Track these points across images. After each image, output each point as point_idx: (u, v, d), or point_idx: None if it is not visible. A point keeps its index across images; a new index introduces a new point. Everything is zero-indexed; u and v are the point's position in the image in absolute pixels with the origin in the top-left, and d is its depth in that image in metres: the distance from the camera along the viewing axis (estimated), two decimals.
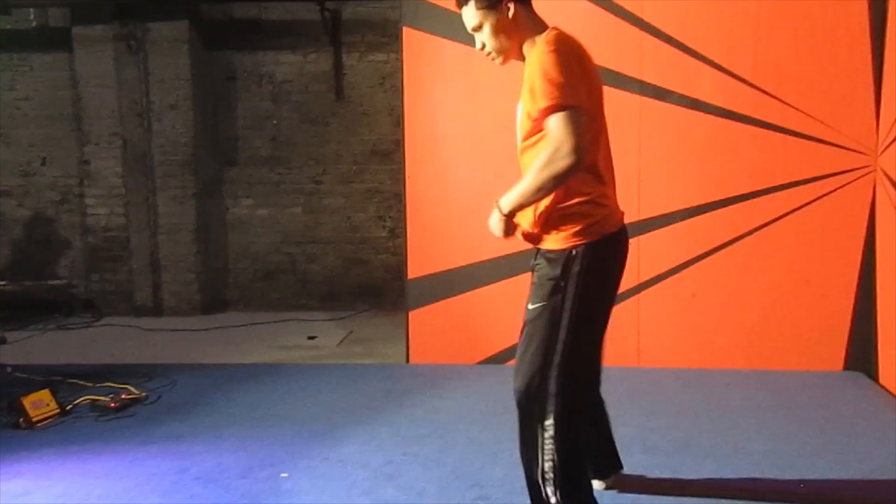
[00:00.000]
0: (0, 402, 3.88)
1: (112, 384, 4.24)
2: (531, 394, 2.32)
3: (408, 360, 4.92)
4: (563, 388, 2.30)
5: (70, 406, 3.90)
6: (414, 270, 4.87)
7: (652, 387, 4.27)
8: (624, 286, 4.52)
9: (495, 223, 2.35)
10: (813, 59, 4.44)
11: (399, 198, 5.46)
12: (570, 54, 2.25)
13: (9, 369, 4.52)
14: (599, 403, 2.77)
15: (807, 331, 4.55)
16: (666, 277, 4.65)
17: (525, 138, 2.38)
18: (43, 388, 3.88)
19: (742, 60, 4.49)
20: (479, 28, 2.41)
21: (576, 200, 2.32)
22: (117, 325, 6.32)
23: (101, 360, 5.03)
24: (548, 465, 2.30)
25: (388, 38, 6.54)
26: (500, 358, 4.69)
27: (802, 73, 4.46)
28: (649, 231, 4.60)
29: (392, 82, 6.61)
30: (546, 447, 2.30)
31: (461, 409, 3.98)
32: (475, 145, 4.74)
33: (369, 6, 6.65)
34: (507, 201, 2.31)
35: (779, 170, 4.51)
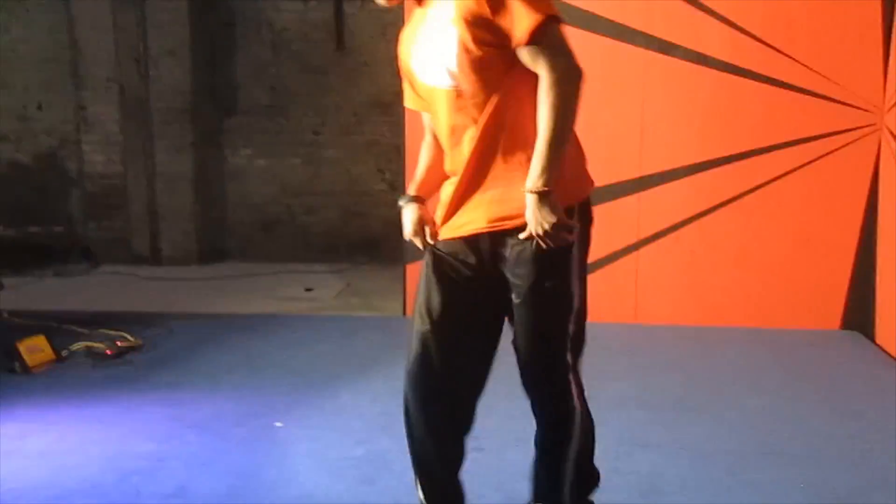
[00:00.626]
0: None
1: (108, 331, 4.23)
2: (553, 380, 2.01)
3: (405, 313, 4.91)
4: (575, 360, 2.05)
5: (66, 352, 3.90)
6: None
7: (649, 343, 4.28)
8: (623, 242, 4.59)
9: (546, 214, 1.81)
10: (823, 13, 4.35)
11: (399, 150, 5.39)
12: None
13: (4, 314, 4.51)
14: None
15: (805, 289, 4.53)
16: (666, 234, 4.62)
17: (475, 74, 1.86)
18: (38, 334, 3.87)
19: (751, 15, 4.40)
20: None
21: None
22: (115, 273, 6.30)
23: (98, 308, 5.02)
24: (574, 444, 2.05)
25: None
26: None
27: (812, 28, 4.37)
28: (650, 188, 4.55)
29: (394, 32, 6.45)
30: (575, 424, 2.04)
31: None
32: None
33: None
34: (541, 173, 1.81)
35: (783, 127, 4.45)
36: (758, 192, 4.51)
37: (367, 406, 3.33)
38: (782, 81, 4.41)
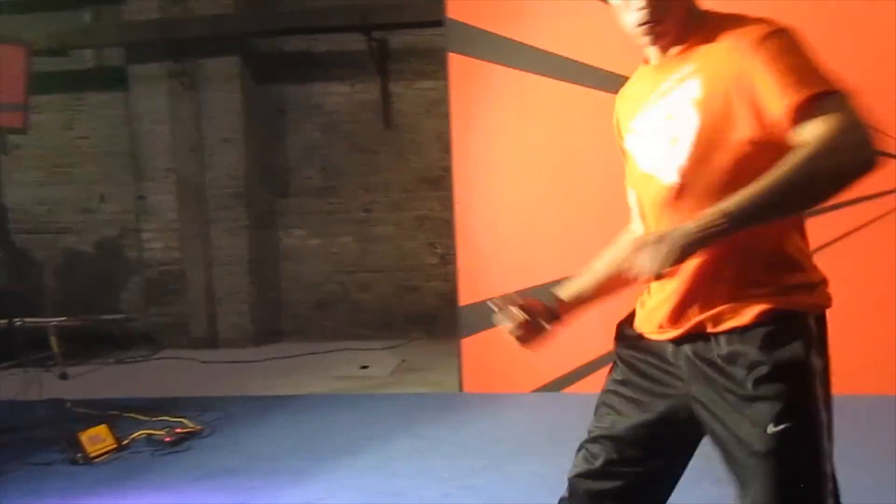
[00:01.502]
0: (59, 437, 3.92)
1: (168, 417, 4.24)
2: None
3: (461, 389, 4.84)
4: None
5: (127, 440, 3.91)
6: (466, 297, 4.80)
7: None
8: None
9: (676, 241, 1.35)
10: (877, 68, 4.27)
11: (449, 224, 5.41)
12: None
13: (68, 404, 4.58)
14: None
15: (883, 353, 4.33)
16: None
17: (716, 176, 1.44)
18: (100, 423, 3.91)
19: None
20: None
21: (801, 247, 1.52)
22: (174, 358, 6.38)
23: (159, 393, 5.06)
24: None
25: (434, 65, 6.53)
26: (554, 385, 4.56)
27: (867, 83, 4.28)
28: None
29: (440, 109, 6.58)
30: None
31: (518, 439, 3.88)
32: (525, 169, 4.67)
33: (415, 34, 6.67)
34: (739, 202, 1.33)
35: None
36: (823, 251, 4.37)
37: (428, 489, 3.24)
38: None
